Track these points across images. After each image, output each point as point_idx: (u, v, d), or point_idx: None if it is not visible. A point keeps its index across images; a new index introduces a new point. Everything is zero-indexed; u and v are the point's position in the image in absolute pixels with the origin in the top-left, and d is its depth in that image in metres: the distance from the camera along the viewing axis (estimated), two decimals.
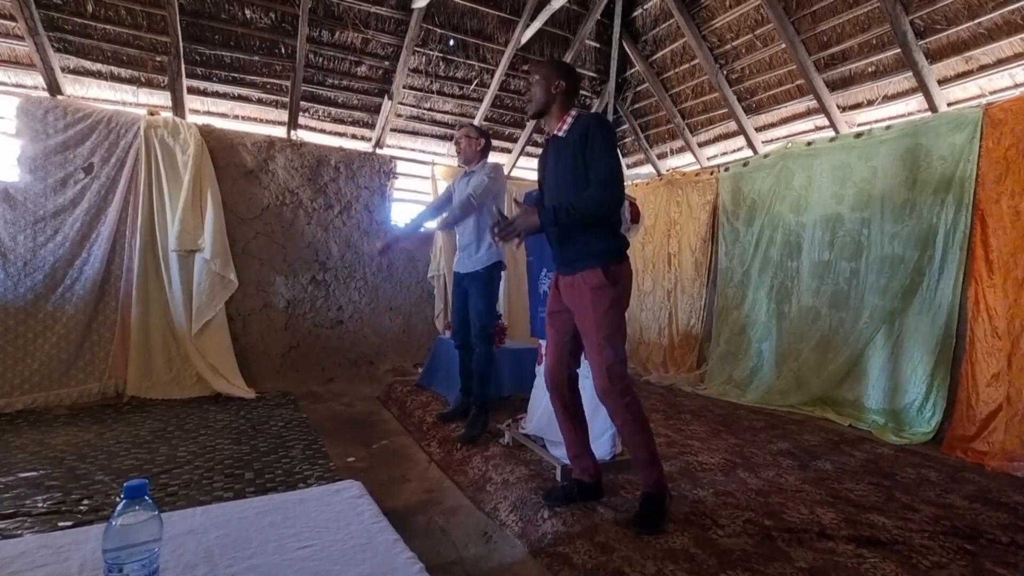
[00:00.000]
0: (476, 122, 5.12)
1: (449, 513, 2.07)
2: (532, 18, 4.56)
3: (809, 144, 4.05)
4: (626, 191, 1.94)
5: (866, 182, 3.62)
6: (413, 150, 5.16)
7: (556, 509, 1.91)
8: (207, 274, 3.83)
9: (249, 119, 4.38)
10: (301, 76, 4.23)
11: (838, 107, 4.01)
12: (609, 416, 1.88)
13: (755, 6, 4.06)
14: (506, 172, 5.57)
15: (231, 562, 1.03)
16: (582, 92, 5.46)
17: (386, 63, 4.53)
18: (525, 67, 5.05)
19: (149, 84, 3.90)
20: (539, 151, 5.71)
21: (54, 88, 3.60)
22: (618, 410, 1.83)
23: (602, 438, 2.29)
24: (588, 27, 4.90)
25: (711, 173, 4.90)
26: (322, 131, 4.68)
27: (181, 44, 3.72)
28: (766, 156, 4.40)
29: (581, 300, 1.85)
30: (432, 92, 4.87)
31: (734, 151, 5.01)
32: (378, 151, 4.89)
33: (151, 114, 3.79)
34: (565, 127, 1.91)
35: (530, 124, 5.35)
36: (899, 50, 3.47)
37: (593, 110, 5.56)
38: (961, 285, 3.09)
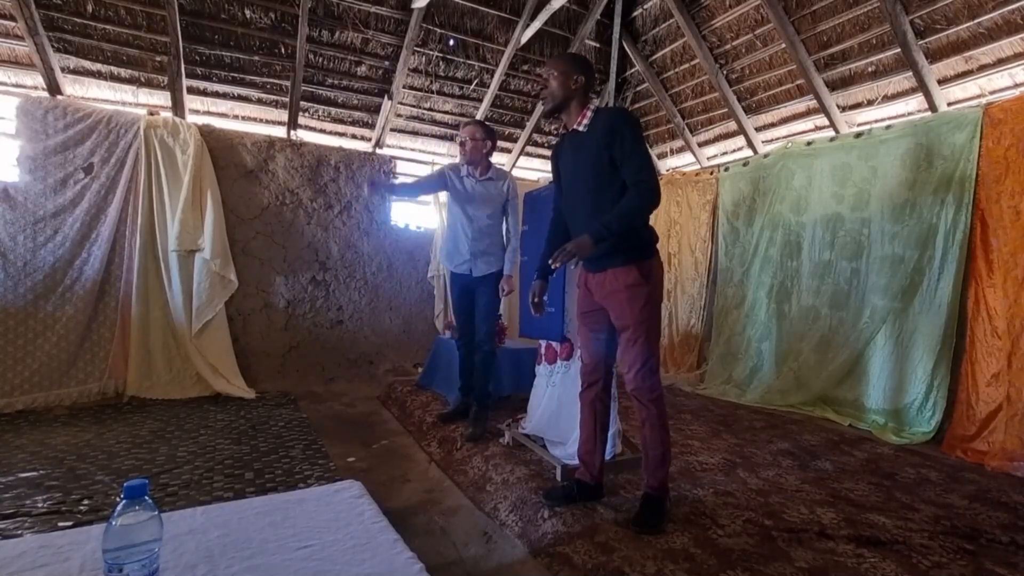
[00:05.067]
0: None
1: (449, 513, 2.07)
2: (532, 18, 4.55)
3: (809, 144, 4.05)
4: None
5: (866, 182, 3.62)
6: (413, 150, 5.16)
7: (556, 509, 1.91)
8: (207, 274, 3.83)
9: (249, 119, 4.38)
10: (301, 76, 4.23)
11: (838, 107, 4.01)
12: (637, 414, 1.88)
13: (755, 6, 4.06)
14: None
15: (231, 562, 1.03)
16: None
17: (386, 63, 4.53)
18: (525, 67, 5.05)
19: (149, 84, 3.90)
20: (539, 151, 5.76)
21: (54, 88, 3.60)
22: (646, 406, 1.83)
23: None
24: (588, 27, 4.90)
25: (711, 173, 4.90)
26: (322, 131, 4.68)
27: (181, 44, 3.72)
28: (766, 156, 4.40)
29: (616, 298, 1.83)
30: (432, 92, 4.87)
31: (734, 151, 5.01)
32: (378, 151, 4.89)
33: (151, 114, 3.79)
34: (586, 121, 1.87)
35: (530, 124, 5.35)
36: (899, 50, 3.47)
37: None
38: (961, 285, 3.09)
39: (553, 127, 5.61)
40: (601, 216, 1.74)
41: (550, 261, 1.72)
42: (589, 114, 1.88)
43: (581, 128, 1.88)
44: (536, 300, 2.07)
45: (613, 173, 1.80)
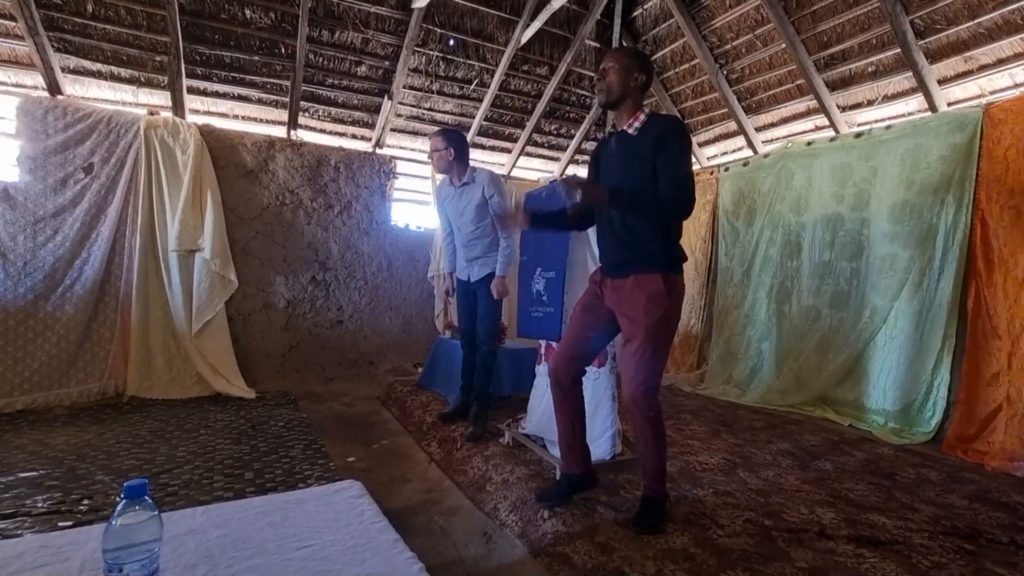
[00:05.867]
0: (476, 122, 5.12)
1: (449, 513, 2.07)
2: (532, 18, 4.55)
3: (809, 144, 4.05)
4: None
5: (866, 182, 3.62)
6: (413, 150, 5.16)
7: (556, 509, 1.90)
8: (207, 274, 3.83)
9: (249, 119, 4.38)
10: (301, 76, 4.22)
11: (838, 107, 4.02)
12: (632, 425, 1.83)
13: (755, 6, 4.05)
14: (505, 172, 5.57)
15: (231, 562, 1.03)
16: (582, 92, 5.46)
17: (386, 63, 4.53)
18: (525, 67, 5.05)
19: (149, 84, 3.89)
20: (539, 151, 5.76)
21: (54, 88, 3.60)
22: (642, 422, 1.78)
23: (602, 438, 2.28)
24: (588, 27, 4.90)
25: (711, 173, 4.90)
26: (322, 131, 4.68)
27: (181, 44, 3.72)
28: (766, 156, 4.40)
29: (633, 305, 1.76)
30: (432, 92, 4.87)
31: (734, 151, 5.01)
32: (378, 151, 4.89)
33: (151, 114, 3.79)
34: (637, 124, 1.80)
35: (530, 124, 5.34)
36: (899, 50, 3.47)
37: (593, 110, 5.56)
38: (961, 285, 3.09)
39: (554, 127, 5.60)
40: (633, 225, 1.75)
41: (561, 179, 1.68)
42: (643, 117, 1.80)
43: (631, 131, 1.80)
44: (517, 216, 2.02)
45: (655, 184, 1.72)
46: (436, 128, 5.02)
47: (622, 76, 1.80)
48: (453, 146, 2.85)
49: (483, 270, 2.91)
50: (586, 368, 2.02)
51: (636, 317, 1.75)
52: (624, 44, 5.13)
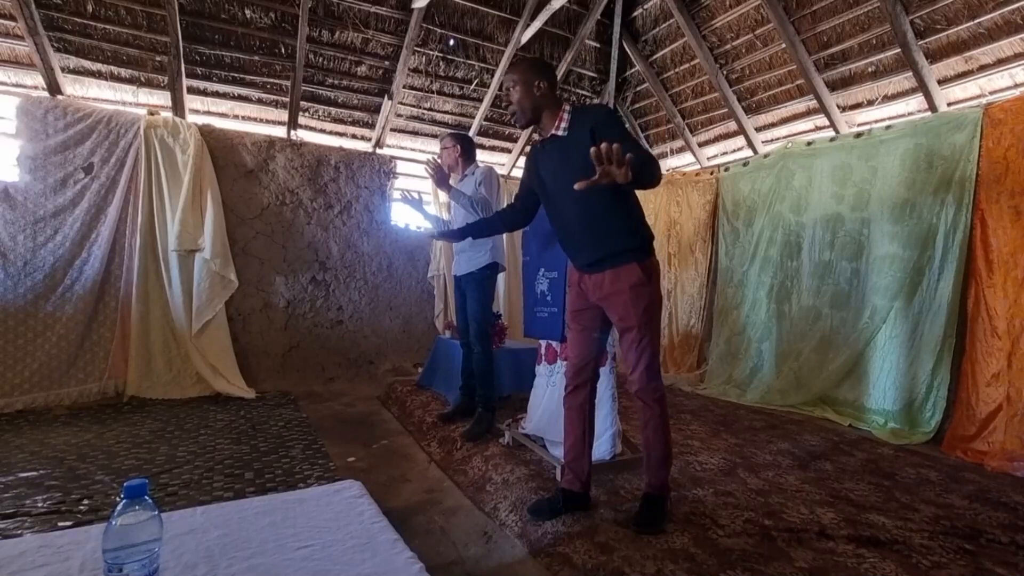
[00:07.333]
0: (476, 122, 5.12)
1: (449, 513, 2.07)
2: (532, 18, 4.55)
3: (809, 144, 4.05)
4: None
5: (866, 182, 3.62)
6: (413, 150, 5.16)
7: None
8: (207, 274, 3.83)
9: (249, 119, 4.38)
10: (301, 76, 4.23)
11: (838, 107, 4.01)
12: (641, 412, 1.85)
13: (755, 6, 4.06)
14: (506, 172, 5.57)
15: (231, 562, 1.03)
16: (582, 93, 5.46)
17: (386, 63, 4.53)
18: None
19: (149, 84, 3.90)
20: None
21: (54, 88, 3.60)
22: (650, 406, 1.82)
23: (602, 438, 2.28)
24: (588, 27, 4.90)
25: (711, 173, 4.90)
26: (322, 131, 4.68)
27: (181, 44, 3.72)
28: (766, 156, 4.40)
29: (619, 298, 1.79)
30: (432, 92, 4.87)
31: (734, 151, 5.01)
32: (378, 151, 4.89)
33: (151, 114, 3.79)
34: (564, 124, 1.78)
35: None
36: (899, 50, 3.47)
37: None
38: (961, 285, 3.09)
39: None
40: (595, 220, 1.77)
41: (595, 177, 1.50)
42: (566, 116, 1.79)
43: (560, 132, 1.79)
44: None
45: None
46: (436, 128, 5.09)
47: (525, 91, 1.79)
48: (460, 144, 3.02)
49: (468, 265, 2.92)
50: (600, 370, 2.04)
51: (625, 311, 1.79)
52: (624, 45, 5.13)
